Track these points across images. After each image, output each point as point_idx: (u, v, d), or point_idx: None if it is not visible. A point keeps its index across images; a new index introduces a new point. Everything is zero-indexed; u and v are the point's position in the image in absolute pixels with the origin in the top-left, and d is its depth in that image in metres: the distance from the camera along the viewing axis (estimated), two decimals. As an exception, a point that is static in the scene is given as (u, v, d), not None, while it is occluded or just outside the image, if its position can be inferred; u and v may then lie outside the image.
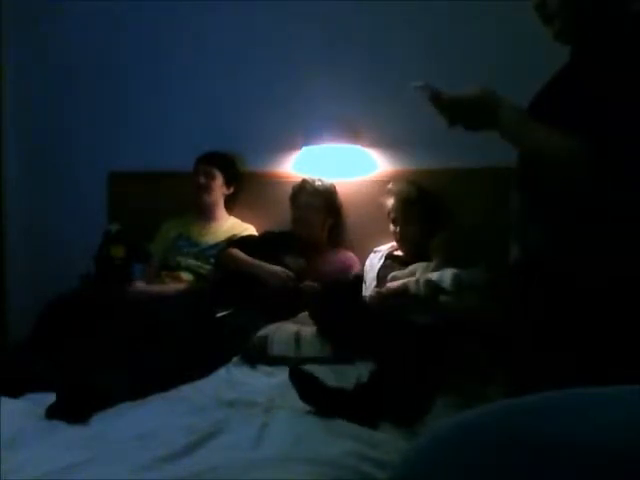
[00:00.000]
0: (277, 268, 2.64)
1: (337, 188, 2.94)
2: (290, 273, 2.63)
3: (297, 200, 2.86)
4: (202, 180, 2.97)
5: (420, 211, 2.65)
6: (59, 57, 3.34)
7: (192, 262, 2.89)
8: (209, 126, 3.11)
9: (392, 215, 2.67)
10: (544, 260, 1.27)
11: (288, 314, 2.42)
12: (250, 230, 2.99)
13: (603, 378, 0.72)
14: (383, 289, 2.44)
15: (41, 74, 3.36)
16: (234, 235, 2.93)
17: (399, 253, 2.72)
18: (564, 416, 0.61)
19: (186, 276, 2.86)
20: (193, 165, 3.01)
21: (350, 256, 2.85)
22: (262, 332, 2.25)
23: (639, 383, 0.64)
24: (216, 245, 2.90)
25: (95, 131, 3.31)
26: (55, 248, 3.28)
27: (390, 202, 2.67)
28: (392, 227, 2.68)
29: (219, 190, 3.01)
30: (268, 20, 3.09)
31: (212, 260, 2.85)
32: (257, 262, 2.68)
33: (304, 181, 2.87)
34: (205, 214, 3.03)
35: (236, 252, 2.74)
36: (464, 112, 1.31)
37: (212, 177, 2.98)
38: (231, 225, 3.02)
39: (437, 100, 1.32)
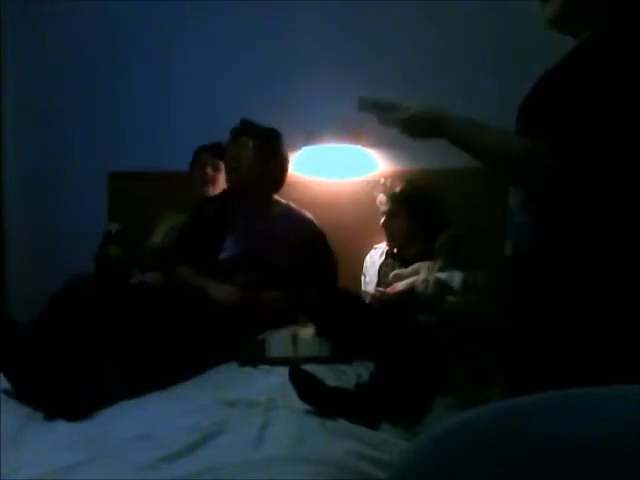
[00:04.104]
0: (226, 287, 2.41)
1: (337, 188, 2.94)
2: (239, 290, 2.41)
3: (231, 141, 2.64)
4: (210, 172, 2.91)
5: (409, 207, 2.67)
6: (59, 57, 3.35)
7: None
8: (209, 126, 3.11)
9: (382, 209, 2.71)
10: (539, 256, 1.27)
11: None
12: None
13: (603, 377, 0.72)
14: (388, 290, 2.45)
15: (41, 74, 3.37)
16: None
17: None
18: (564, 416, 0.61)
19: None
20: (193, 156, 2.96)
21: (305, 215, 2.70)
22: (259, 335, 2.26)
23: (639, 382, 0.64)
24: None
25: (95, 131, 3.31)
26: (55, 248, 3.28)
27: (381, 196, 2.71)
28: (382, 220, 2.71)
29: (222, 184, 2.96)
30: (268, 20, 3.09)
31: None
32: (206, 280, 2.44)
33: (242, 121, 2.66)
34: None
35: (186, 272, 2.52)
36: (412, 125, 1.40)
37: (218, 169, 2.91)
38: None
39: (384, 118, 1.42)
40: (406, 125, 1.40)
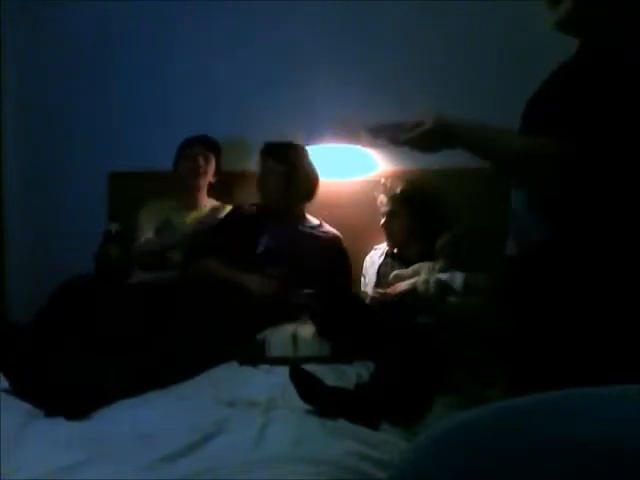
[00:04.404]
0: (257, 277, 2.53)
1: (337, 188, 2.93)
2: (272, 281, 2.52)
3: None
4: (201, 163, 2.93)
5: (409, 208, 2.67)
6: (59, 57, 3.34)
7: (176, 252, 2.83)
8: (209, 126, 3.11)
9: (382, 209, 2.71)
10: (541, 256, 1.27)
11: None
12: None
13: (603, 377, 0.72)
14: (389, 291, 2.45)
15: (41, 74, 3.36)
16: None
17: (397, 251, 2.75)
18: (564, 416, 0.61)
19: None
20: (178, 150, 2.97)
21: (331, 233, 2.80)
22: (259, 335, 2.25)
23: (639, 382, 0.64)
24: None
25: (95, 131, 3.31)
26: (55, 248, 3.28)
27: (381, 197, 2.71)
28: (382, 221, 2.71)
29: (210, 176, 2.99)
30: (268, 20, 3.09)
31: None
32: (236, 272, 2.54)
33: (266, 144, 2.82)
34: (190, 200, 2.97)
35: (213, 264, 2.62)
36: (425, 141, 1.33)
37: (209, 161, 2.95)
38: (211, 208, 2.98)
39: (396, 139, 1.34)
40: (419, 143, 1.35)
